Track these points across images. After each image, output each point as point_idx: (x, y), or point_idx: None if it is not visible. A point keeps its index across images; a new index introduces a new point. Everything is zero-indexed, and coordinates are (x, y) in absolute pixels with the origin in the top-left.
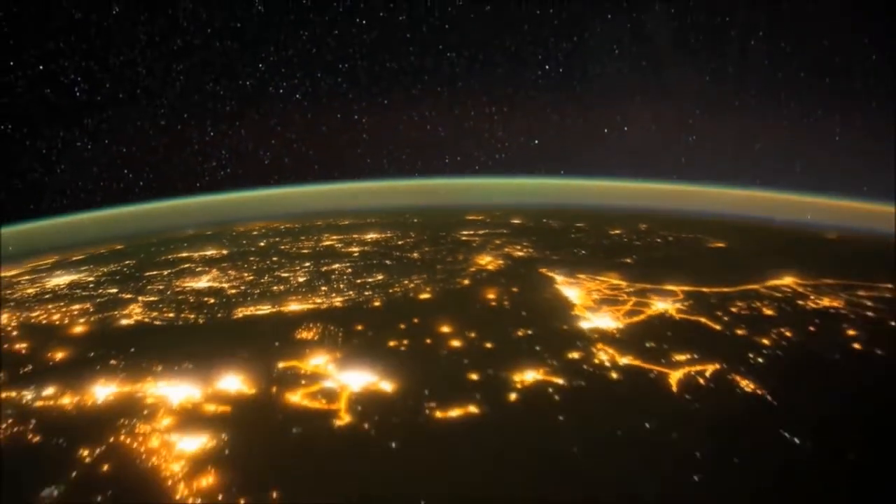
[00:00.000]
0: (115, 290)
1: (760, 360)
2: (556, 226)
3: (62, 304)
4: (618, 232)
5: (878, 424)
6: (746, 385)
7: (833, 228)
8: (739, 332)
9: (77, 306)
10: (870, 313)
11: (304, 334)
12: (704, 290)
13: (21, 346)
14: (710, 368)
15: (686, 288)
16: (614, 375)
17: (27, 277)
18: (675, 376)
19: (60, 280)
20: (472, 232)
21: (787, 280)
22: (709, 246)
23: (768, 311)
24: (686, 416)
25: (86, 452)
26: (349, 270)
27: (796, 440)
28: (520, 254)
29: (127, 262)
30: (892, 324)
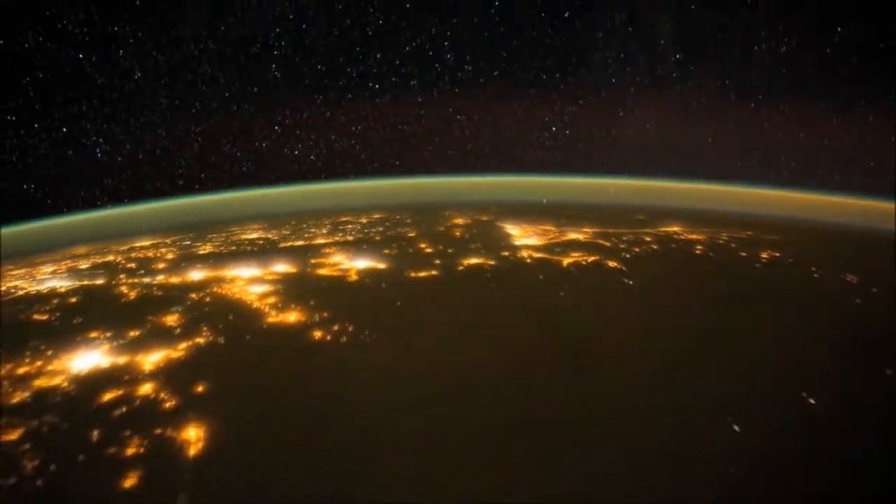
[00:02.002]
0: (188, 243)
1: (627, 256)
2: (521, 208)
3: (150, 250)
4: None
5: (687, 280)
6: (612, 264)
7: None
8: (621, 246)
9: (163, 250)
10: (721, 242)
11: (328, 250)
12: (609, 230)
13: (130, 265)
14: (591, 258)
15: (597, 230)
16: (528, 261)
17: (106, 246)
18: (566, 261)
19: (142, 243)
20: (454, 211)
21: (675, 227)
22: (631, 217)
23: (647, 239)
24: (567, 274)
25: (194, 295)
26: (359, 227)
27: (630, 282)
28: (485, 218)
29: (189, 234)
30: (732, 245)
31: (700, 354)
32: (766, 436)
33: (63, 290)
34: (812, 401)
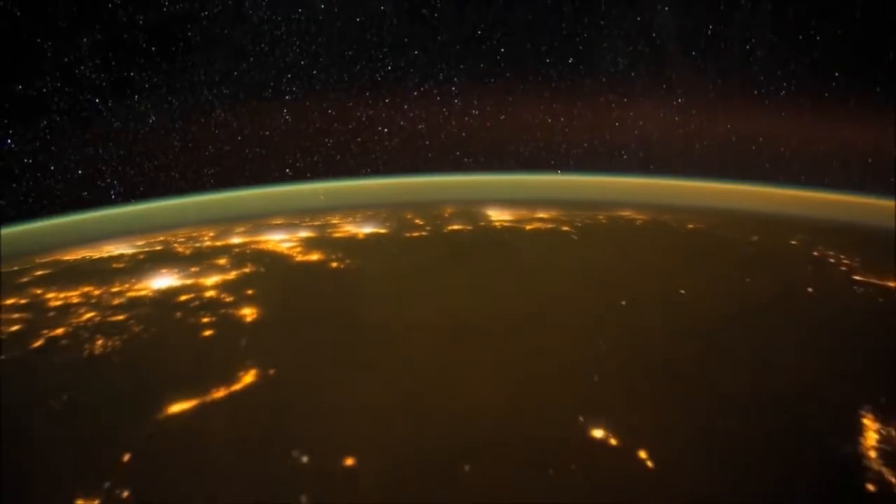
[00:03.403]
0: (224, 227)
1: (580, 224)
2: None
3: (193, 232)
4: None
5: (616, 236)
6: (566, 229)
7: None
8: (577, 219)
9: (204, 231)
10: (661, 220)
11: (344, 226)
12: (573, 211)
13: (180, 240)
14: (549, 226)
15: (563, 213)
16: (498, 227)
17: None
18: (528, 227)
19: (181, 231)
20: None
21: (627, 213)
22: (596, 206)
23: (601, 219)
24: (528, 236)
25: (237, 249)
26: (367, 216)
27: (574, 237)
28: (474, 210)
29: (222, 223)
30: (668, 221)
31: (611, 266)
32: (647, 306)
33: (129, 252)
34: (683, 291)
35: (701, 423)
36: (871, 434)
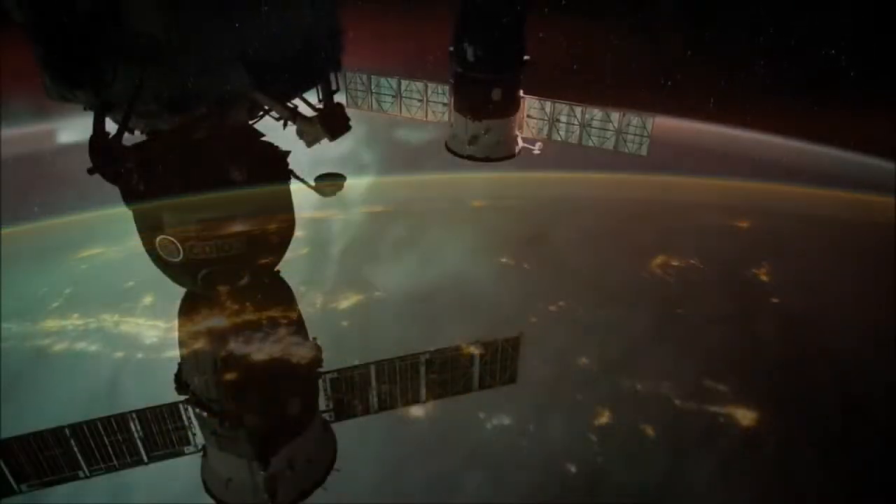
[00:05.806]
0: None
1: (538, 204)
2: None
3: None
4: None
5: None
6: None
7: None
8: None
9: None
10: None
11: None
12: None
13: None
14: (511, 204)
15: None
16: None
17: None
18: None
19: None
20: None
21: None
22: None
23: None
24: (494, 208)
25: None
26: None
27: (526, 208)
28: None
29: None
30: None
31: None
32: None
33: None
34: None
35: (566, 259)
36: (660, 259)
